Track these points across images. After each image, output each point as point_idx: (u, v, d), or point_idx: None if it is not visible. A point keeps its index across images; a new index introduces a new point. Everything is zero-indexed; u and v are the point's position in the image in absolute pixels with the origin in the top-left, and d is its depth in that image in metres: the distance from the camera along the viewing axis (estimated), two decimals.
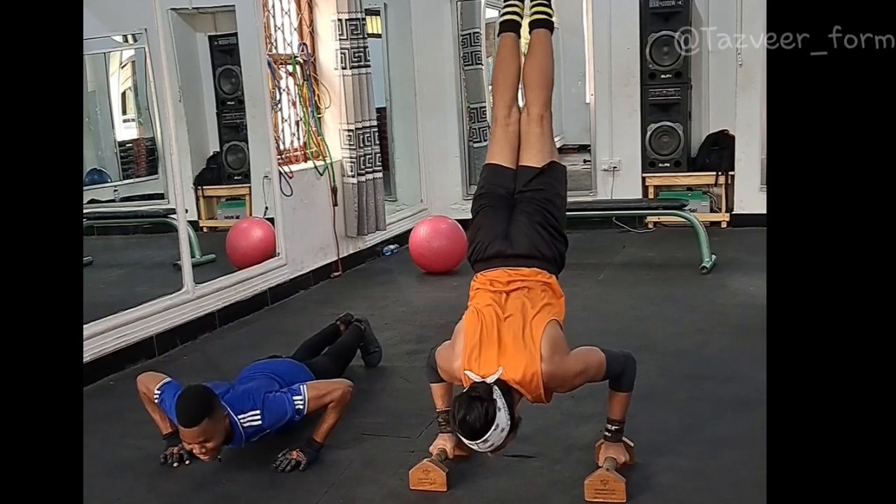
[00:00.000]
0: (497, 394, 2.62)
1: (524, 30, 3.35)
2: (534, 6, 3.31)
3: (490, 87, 3.46)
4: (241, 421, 3.16)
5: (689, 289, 5.49)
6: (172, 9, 5.65)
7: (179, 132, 5.38)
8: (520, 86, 3.23)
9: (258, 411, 3.18)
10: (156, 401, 3.29)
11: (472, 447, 2.69)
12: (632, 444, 3.01)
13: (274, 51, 6.14)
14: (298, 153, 6.45)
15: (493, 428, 2.58)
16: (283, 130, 6.26)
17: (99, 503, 2.99)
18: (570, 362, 2.76)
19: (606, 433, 2.95)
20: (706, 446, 3.17)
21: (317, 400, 3.23)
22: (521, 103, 3.21)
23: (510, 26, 3.32)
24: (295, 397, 3.22)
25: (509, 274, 2.87)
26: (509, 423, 2.63)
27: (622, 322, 4.80)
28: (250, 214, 6.33)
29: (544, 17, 3.29)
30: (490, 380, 2.66)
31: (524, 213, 2.94)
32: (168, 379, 3.33)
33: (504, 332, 2.75)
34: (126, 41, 6.18)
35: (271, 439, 3.25)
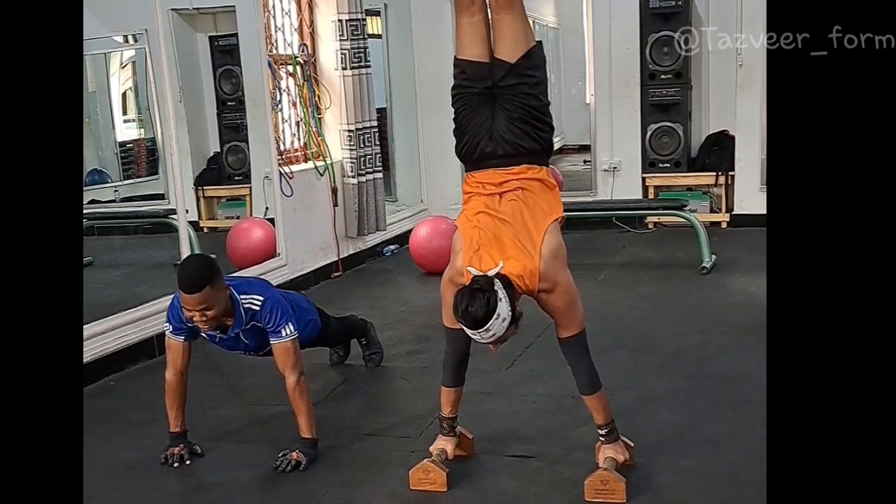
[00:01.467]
0: (498, 285, 2.67)
1: None
2: None
3: None
4: (243, 301, 3.20)
5: (689, 289, 5.49)
6: (173, 9, 5.65)
7: (180, 132, 5.39)
8: None
9: (261, 297, 3.22)
10: (167, 328, 3.28)
11: (475, 338, 2.72)
12: (632, 444, 3.01)
13: (274, 51, 6.13)
14: (299, 153, 6.45)
15: (495, 317, 2.63)
16: (283, 131, 6.26)
17: (99, 503, 2.99)
18: (565, 275, 2.83)
19: (601, 438, 2.95)
20: (706, 446, 3.17)
21: (287, 354, 3.21)
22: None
23: None
24: (290, 325, 3.22)
25: (500, 174, 2.88)
26: (510, 313, 2.67)
27: (622, 322, 4.80)
28: (251, 215, 6.34)
29: None
30: (491, 273, 2.72)
31: (504, 111, 2.88)
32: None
33: (502, 234, 2.80)
34: (126, 41, 6.18)
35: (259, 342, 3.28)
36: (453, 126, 2.97)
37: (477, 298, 2.64)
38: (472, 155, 2.93)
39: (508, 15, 2.88)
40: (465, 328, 2.72)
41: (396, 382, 4.13)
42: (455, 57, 2.99)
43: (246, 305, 3.21)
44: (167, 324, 3.30)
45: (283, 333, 3.21)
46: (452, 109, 2.98)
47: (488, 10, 2.92)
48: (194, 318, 3.09)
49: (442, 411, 3.09)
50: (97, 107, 6.27)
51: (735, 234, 7.06)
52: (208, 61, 6.41)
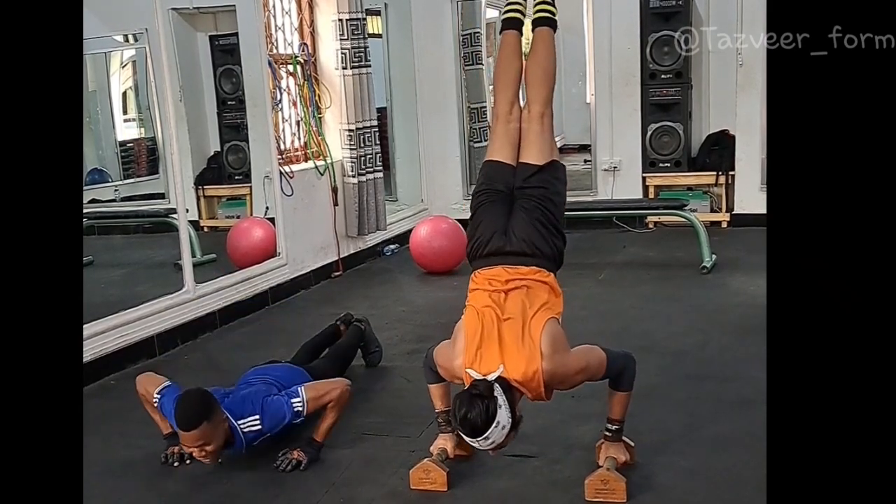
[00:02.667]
0: (498, 391, 2.62)
1: (527, 28, 3.36)
2: (537, 4, 3.30)
3: (491, 86, 3.45)
4: (241, 426, 3.16)
5: (690, 289, 5.49)
6: (173, 8, 5.65)
7: (180, 132, 5.38)
8: (521, 83, 3.22)
9: (257, 416, 3.18)
10: (155, 404, 3.28)
11: (474, 445, 2.69)
12: (632, 444, 3.01)
13: (275, 50, 6.14)
14: (299, 153, 6.45)
15: (494, 425, 2.59)
16: (283, 130, 6.26)
17: (99, 503, 2.99)
18: (570, 360, 2.77)
19: (607, 433, 2.95)
20: (706, 446, 3.17)
21: (315, 401, 3.23)
22: (522, 102, 3.21)
23: (513, 24, 3.31)
24: (293, 400, 3.22)
25: (508, 272, 2.86)
26: (510, 420, 2.63)
27: (622, 322, 4.80)
28: (251, 214, 6.33)
29: (548, 15, 3.28)
30: (491, 377, 2.67)
31: (523, 210, 2.93)
32: (167, 382, 3.32)
33: (504, 333, 2.74)
34: (127, 41, 6.19)
35: (274, 439, 3.25)
36: (470, 222, 3.04)
37: (476, 405, 2.59)
38: (483, 249, 2.93)
39: (538, 126, 3.07)
40: (462, 436, 2.69)
41: (397, 382, 4.13)
42: (484, 160, 3.15)
43: (246, 429, 3.17)
44: (158, 396, 3.27)
45: (298, 406, 3.21)
46: (471, 207, 3.08)
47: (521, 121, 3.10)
48: (194, 454, 3.07)
49: (435, 407, 3.10)
50: (97, 106, 6.28)
51: (735, 233, 7.05)
52: (208, 60, 6.41)
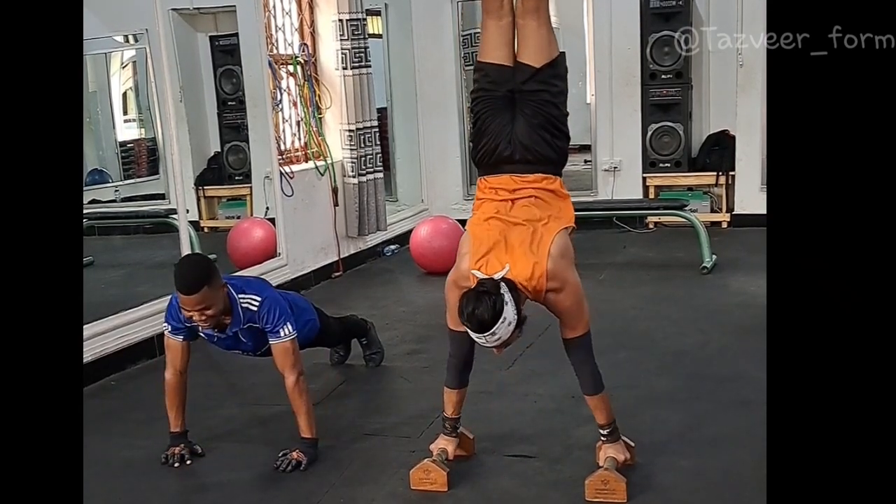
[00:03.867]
0: (504, 289, 2.67)
1: None
2: None
3: None
4: (241, 300, 3.19)
5: (690, 289, 5.49)
6: (173, 9, 5.65)
7: (180, 132, 5.39)
8: None
9: (259, 297, 3.21)
10: (166, 328, 3.28)
11: (480, 341, 2.72)
12: (632, 444, 3.01)
13: (275, 51, 6.14)
14: (299, 153, 6.45)
15: (500, 321, 2.63)
16: (283, 130, 6.26)
17: (99, 503, 2.99)
18: (572, 274, 2.82)
19: (602, 437, 2.96)
20: (706, 446, 3.17)
21: (285, 354, 3.20)
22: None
23: None
24: (288, 325, 3.21)
25: (515, 181, 2.89)
26: (516, 317, 2.67)
27: (622, 322, 4.80)
28: (251, 215, 6.34)
29: None
30: (497, 276, 2.71)
31: (524, 115, 2.89)
32: None
33: (512, 238, 2.79)
34: (127, 41, 6.18)
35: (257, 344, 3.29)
36: (472, 129, 2.97)
37: (483, 301, 2.64)
38: (490, 158, 2.93)
39: (534, 21, 2.89)
40: (469, 332, 2.71)
41: (397, 382, 4.13)
42: (478, 60, 3.02)
43: (244, 305, 3.21)
44: (166, 323, 3.30)
45: (282, 333, 3.21)
46: (472, 113, 2.99)
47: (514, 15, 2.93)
48: (193, 318, 3.09)
49: (445, 412, 3.09)
50: (98, 107, 6.27)
51: (735, 234, 7.06)
52: (209, 61, 6.41)
